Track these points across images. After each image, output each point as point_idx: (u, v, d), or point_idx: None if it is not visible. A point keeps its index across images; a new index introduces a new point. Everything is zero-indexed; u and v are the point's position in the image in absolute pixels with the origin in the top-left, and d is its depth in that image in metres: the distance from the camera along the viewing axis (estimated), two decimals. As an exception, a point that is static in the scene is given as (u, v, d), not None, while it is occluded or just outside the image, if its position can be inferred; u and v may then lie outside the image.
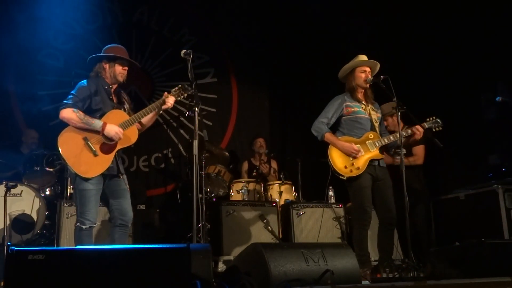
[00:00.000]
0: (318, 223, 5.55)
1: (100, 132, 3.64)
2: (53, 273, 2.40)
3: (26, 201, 5.08)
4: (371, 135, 4.44)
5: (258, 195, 5.92)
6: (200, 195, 3.82)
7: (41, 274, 2.38)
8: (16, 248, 2.38)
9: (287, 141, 7.79)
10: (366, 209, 4.31)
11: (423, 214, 5.58)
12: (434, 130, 4.51)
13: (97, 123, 3.62)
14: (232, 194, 5.89)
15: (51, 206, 5.17)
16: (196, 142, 3.72)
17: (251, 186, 5.88)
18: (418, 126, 4.44)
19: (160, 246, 2.64)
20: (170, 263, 2.53)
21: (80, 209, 3.64)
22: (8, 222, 4.86)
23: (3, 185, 4.89)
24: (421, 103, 6.38)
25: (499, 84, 6.06)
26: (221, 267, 4.92)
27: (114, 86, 3.90)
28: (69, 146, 3.59)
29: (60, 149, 3.59)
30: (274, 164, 6.76)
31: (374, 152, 4.37)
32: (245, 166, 6.75)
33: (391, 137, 4.38)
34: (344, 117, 4.51)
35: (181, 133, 7.11)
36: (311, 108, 5.81)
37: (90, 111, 3.71)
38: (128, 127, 3.72)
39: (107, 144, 3.68)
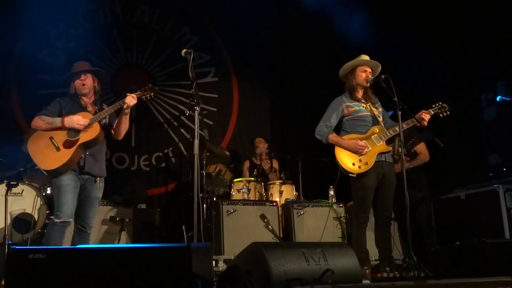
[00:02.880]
0: (318, 223, 5.57)
1: (64, 129, 3.96)
2: (54, 272, 2.40)
3: (27, 200, 5.09)
4: (376, 129, 4.42)
5: (259, 194, 5.92)
6: (201, 195, 3.86)
7: (41, 273, 2.38)
8: (17, 247, 2.38)
9: (288, 141, 7.77)
10: (365, 209, 4.33)
11: (427, 212, 5.58)
12: (441, 115, 4.43)
13: (57, 119, 3.97)
14: (233, 193, 5.89)
15: (52, 205, 5.16)
16: (197, 142, 3.72)
17: (251, 185, 5.88)
18: (424, 114, 4.37)
19: (161, 245, 2.64)
20: (170, 262, 2.54)
21: (56, 203, 3.90)
22: (9, 221, 4.86)
23: (4, 184, 4.89)
24: (421, 103, 6.37)
25: (499, 84, 6.06)
26: (222, 266, 4.92)
27: (88, 98, 4.19)
28: (36, 145, 3.99)
29: (28, 149, 4.00)
30: (275, 164, 6.76)
31: (381, 146, 4.36)
32: (246, 165, 6.76)
33: (397, 128, 4.26)
34: (346, 118, 4.51)
35: (182, 132, 7.11)
36: (312, 108, 5.83)
37: None
38: (90, 124, 3.98)
39: (69, 140, 3.97)
